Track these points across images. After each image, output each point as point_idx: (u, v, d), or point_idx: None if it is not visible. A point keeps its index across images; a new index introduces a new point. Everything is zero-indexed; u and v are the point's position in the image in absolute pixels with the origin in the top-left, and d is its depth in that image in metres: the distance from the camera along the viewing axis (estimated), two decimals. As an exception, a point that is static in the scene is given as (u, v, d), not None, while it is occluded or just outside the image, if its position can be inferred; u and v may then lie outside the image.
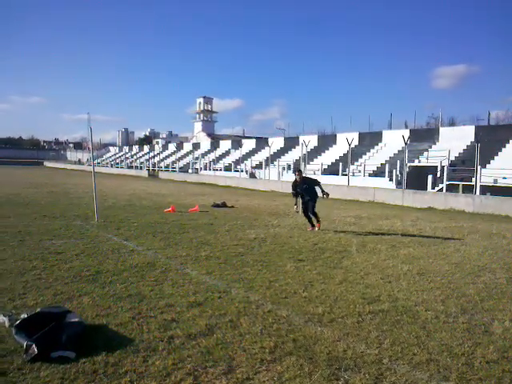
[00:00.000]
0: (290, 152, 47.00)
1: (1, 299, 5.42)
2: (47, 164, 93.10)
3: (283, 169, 39.57)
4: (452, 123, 56.86)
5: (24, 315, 4.50)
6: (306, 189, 11.79)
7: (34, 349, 3.85)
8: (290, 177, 35.85)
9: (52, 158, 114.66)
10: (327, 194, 12.01)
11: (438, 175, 27.61)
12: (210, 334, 4.53)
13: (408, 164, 29.25)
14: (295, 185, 11.93)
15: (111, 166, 74.97)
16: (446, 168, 26.75)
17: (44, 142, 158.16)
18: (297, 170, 12.25)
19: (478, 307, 5.63)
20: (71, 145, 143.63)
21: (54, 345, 3.95)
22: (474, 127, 32.66)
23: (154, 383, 3.50)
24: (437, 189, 26.19)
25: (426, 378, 3.69)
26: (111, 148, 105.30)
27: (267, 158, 41.96)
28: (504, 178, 24.15)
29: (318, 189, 11.92)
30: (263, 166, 41.97)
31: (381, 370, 3.83)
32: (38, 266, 7.14)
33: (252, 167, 44.89)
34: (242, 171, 44.13)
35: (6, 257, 7.68)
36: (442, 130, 36.03)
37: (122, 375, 3.62)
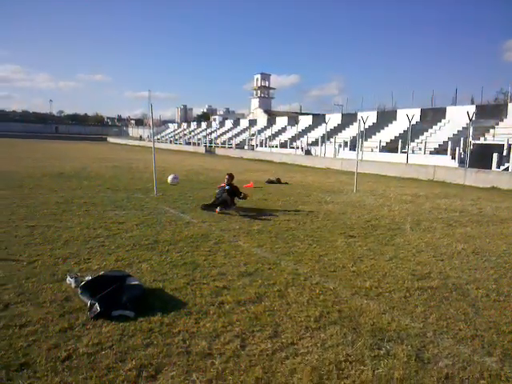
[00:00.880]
0: (347, 129, 46.16)
1: (68, 263, 5.90)
2: (110, 140, 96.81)
3: (339, 146, 39.03)
4: (523, 98, 53.48)
5: (88, 277, 4.90)
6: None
7: (97, 307, 4.21)
8: (347, 154, 35.43)
9: (115, 133, 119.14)
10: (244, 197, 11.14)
11: (504, 154, 26.25)
12: (258, 301, 4.74)
13: (472, 142, 28.00)
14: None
15: (170, 142, 76.92)
16: (513, 146, 25.38)
17: (107, 118, 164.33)
18: (228, 174, 11.47)
19: (534, 288, 5.49)
20: (133, 121, 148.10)
21: (115, 304, 4.30)
22: (546, 102, 30.63)
23: (204, 343, 3.76)
24: (502, 168, 24.96)
25: (469, 352, 3.72)
26: (170, 124, 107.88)
27: (323, 134, 41.51)
28: None
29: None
30: (319, 143, 41.59)
31: (424, 342, 3.89)
32: (101, 234, 7.63)
33: (308, 144, 44.59)
34: (298, 148, 43.97)
35: (73, 225, 8.25)
36: (510, 105, 34.03)
37: (176, 334, 3.90)
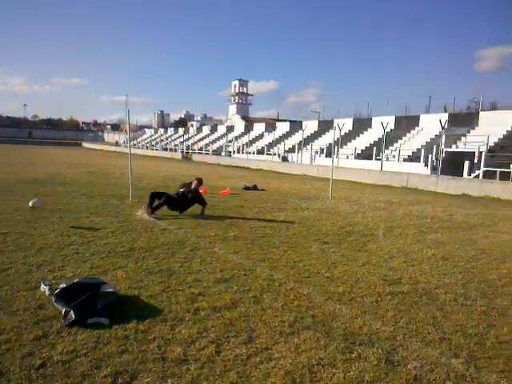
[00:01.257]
0: (323, 136, 46.68)
1: (42, 270, 5.84)
2: (85, 145, 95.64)
3: (316, 153, 39.43)
4: (493, 107, 55.04)
5: (63, 285, 4.88)
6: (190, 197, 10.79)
7: (72, 315, 4.21)
8: (323, 161, 35.80)
9: (90, 139, 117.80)
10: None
11: (476, 161, 26.97)
12: (233, 307, 4.80)
13: (444, 149, 28.70)
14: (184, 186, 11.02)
15: (146, 148, 76.46)
16: (483, 154, 26.10)
17: (83, 123, 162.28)
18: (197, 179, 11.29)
19: (499, 292, 5.70)
20: (108, 126, 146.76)
21: (89, 312, 4.30)
22: (515, 112, 31.59)
23: (180, 349, 3.80)
24: (473, 175, 25.64)
25: (437, 355, 3.85)
26: (147, 130, 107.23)
27: (300, 141, 41.88)
28: (544, 165, 23.40)
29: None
30: (296, 150, 41.93)
31: (394, 345, 4.01)
32: (76, 241, 7.58)
33: (285, 151, 44.90)
34: (275, 155, 44.24)
35: (47, 232, 8.15)
36: (482, 114, 34.95)
37: (151, 341, 3.93)
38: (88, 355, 3.62)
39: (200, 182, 11.24)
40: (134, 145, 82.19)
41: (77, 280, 5.04)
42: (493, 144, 29.21)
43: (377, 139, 37.73)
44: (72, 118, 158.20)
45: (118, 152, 68.49)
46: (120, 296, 4.85)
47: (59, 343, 3.81)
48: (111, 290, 4.82)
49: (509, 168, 23.43)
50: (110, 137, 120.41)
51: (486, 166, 25.45)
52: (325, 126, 48.83)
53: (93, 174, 22.37)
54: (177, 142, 73.47)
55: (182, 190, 10.86)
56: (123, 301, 4.79)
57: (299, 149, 41.15)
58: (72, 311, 4.23)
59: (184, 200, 10.66)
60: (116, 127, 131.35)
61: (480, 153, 26.84)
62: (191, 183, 11.13)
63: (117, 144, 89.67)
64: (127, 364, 3.51)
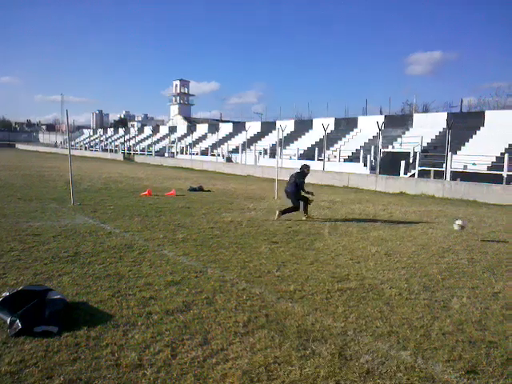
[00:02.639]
0: (266, 136, 47.19)
1: (-19, 279, 5.54)
2: (19, 146, 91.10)
3: (259, 153, 39.78)
4: (426, 110, 57.88)
5: (6, 293, 4.65)
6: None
7: (18, 324, 4.02)
8: (267, 161, 36.16)
9: (24, 140, 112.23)
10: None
11: (411, 161, 28.27)
12: (186, 310, 4.77)
13: (382, 150, 29.81)
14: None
15: (85, 149, 73.95)
16: (418, 154, 27.41)
17: (16, 123, 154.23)
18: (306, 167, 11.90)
19: (440, 285, 6.02)
20: (44, 126, 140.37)
21: (37, 320, 4.13)
22: (446, 114, 33.40)
23: (134, 354, 3.73)
24: (409, 174, 26.86)
25: (387, 348, 4.02)
26: (85, 130, 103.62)
27: (244, 142, 42.07)
28: (473, 164, 24.93)
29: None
30: (240, 151, 42.09)
31: (345, 340, 4.14)
32: (15, 247, 7.23)
33: (229, 151, 44.94)
34: (219, 155, 44.18)
35: (-17, 238, 7.73)
36: (415, 116, 36.75)
37: (104, 347, 3.83)
38: (38, 365, 3.48)
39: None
40: (72, 146, 79.18)
41: (21, 288, 4.82)
42: (426, 144, 30.76)
43: (318, 140, 38.62)
44: (4, 118, 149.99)
45: (55, 153, 65.78)
46: (68, 303, 4.69)
47: (6, 354, 3.64)
48: (58, 296, 4.65)
49: (442, 167, 24.73)
50: (45, 137, 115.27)
51: (420, 165, 26.76)
52: (267, 127, 49.40)
53: (29, 177, 21.38)
54: (117, 142, 71.58)
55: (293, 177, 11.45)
56: (72, 308, 4.64)
57: (243, 150, 41.33)
58: (18, 320, 4.05)
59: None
60: (51, 127, 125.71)
61: (415, 153, 28.18)
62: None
63: (56, 145, 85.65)
64: (80, 372, 3.41)
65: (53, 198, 13.71)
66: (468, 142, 29.15)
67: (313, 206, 13.89)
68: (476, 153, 25.46)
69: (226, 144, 47.61)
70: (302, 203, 11.40)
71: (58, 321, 4.21)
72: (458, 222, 9.91)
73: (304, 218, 11.28)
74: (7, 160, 38.94)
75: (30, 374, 3.35)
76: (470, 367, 3.71)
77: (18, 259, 6.51)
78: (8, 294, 4.60)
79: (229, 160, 42.69)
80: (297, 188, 11.31)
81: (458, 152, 27.21)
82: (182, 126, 70.60)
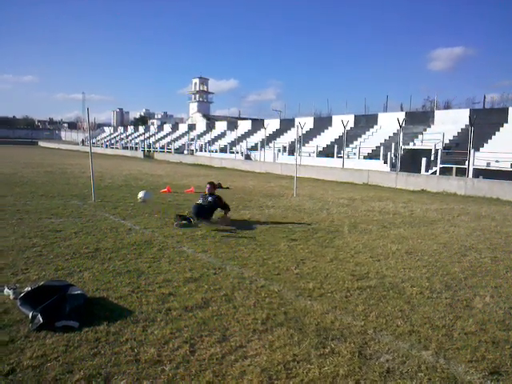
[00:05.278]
0: (285, 134, 47.01)
1: (4, 274, 5.64)
2: (42, 144, 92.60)
3: (279, 150, 39.69)
4: (447, 106, 56.87)
5: (28, 288, 4.72)
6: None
7: (40, 318, 4.08)
8: (286, 159, 36.06)
9: (46, 137, 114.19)
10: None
11: (432, 158, 27.85)
12: (205, 306, 4.78)
13: (403, 147, 29.45)
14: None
15: (106, 147, 74.80)
16: (439, 151, 26.97)
17: (38, 121, 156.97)
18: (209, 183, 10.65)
19: (462, 284, 5.91)
20: (65, 125, 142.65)
21: (58, 315, 4.17)
22: (468, 110, 32.74)
23: (153, 350, 3.74)
24: (430, 172, 26.45)
25: (407, 347, 3.96)
26: (106, 128, 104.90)
27: (263, 139, 42.03)
28: (496, 161, 24.42)
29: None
30: (258, 148, 42.06)
31: (365, 339, 4.09)
32: (38, 243, 7.34)
33: (247, 149, 44.95)
34: (238, 153, 44.22)
35: (7, 234, 7.87)
36: (437, 112, 36.15)
37: (123, 343, 3.86)
38: (59, 359, 3.51)
39: (213, 186, 10.55)
40: (93, 143, 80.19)
41: (42, 283, 4.89)
42: (448, 141, 30.23)
43: (337, 137, 38.30)
44: (27, 116, 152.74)
45: (76, 151, 66.72)
46: (88, 298, 4.74)
47: (28, 348, 3.69)
48: (79, 292, 4.70)
49: (464, 164, 24.31)
50: (67, 135, 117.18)
51: (442, 162, 26.32)
52: (286, 124, 49.18)
53: (51, 174, 21.71)
54: (137, 140, 72.24)
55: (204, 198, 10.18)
56: (92, 303, 4.68)
57: (262, 147, 41.29)
58: (39, 315, 4.10)
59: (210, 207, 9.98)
60: (73, 125, 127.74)
61: (436, 150, 27.74)
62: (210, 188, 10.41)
63: (83, 143, 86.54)
64: (100, 367, 3.43)
65: (74, 194, 13.89)
66: (491, 138, 28.56)
67: (332, 204, 13.82)
68: (499, 150, 24.93)
69: (244, 141, 47.61)
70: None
71: (79, 316, 4.25)
72: (140, 194, 10.05)
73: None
74: (30, 157, 39.64)
75: (51, 368, 3.39)
76: (493, 368, 3.63)
77: (40, 255, 6.60)
78: (30, 288, 4.67)
79: (247, 157, 42.70)
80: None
81: (480, 149, 26.68)
82: (201, 124, 70.87)
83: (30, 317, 4.15)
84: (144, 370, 3.44)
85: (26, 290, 4.68)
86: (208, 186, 10.50)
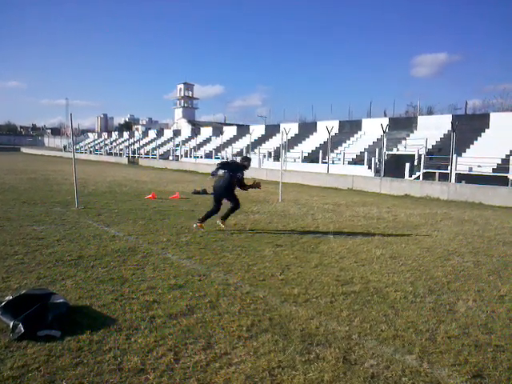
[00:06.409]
0: (270, 140, 47.18)
1: (-16, 283, 5.53)
2: (24, 150, 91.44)
3: (263, 156, 39.77)
4: (430, 112, 57.84)
5: (9, 297, 4.63)
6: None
7: (21, 328, 4.00)
8: (271, 164, 36.13)
9: (29, 143, 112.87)
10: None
11: (415, 163, 28.18)
12: (190, 313, 4.74)
13: (386, 152, 29.78)
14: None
15: (90, 153, 74.18)
16: (423, 156, 27.33)
17: (21, 127, 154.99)
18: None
19: (445, 288, 5.96)
20: (48, 130, 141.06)
21: (39, 324, 4.10)
22: (451, 116, 33.29)
23: (137, 358, 3.70)
24: (414, 177, 26.78)
25: (392, 352, 3.98)
26: (90, 134, 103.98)
27: (248, 145, 42.11)
28: (478, 166, 24.81)
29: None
30: (244, 154, 42.07)
31: (350, 344, 4.10)
32: (19, 250, 7.22)
33: (233, 154, 44.95)
34: (223, 158, 44.18)
35: (-13, 242, 7.73)
36: (420, 118, 36.67)
37: (106, 352, 3.81)
38: (40, 369, 3.45)
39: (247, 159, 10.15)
40: (77, 149, 79.45)
41: (24, 291, 4.80)
42: (431, 147, 30.65)
43: (322, 143, 38.58)
44: (9, 122, 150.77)
45: (60, 157, 66.00)
46: (71, 306, 4.67)
47: (8, 358, 3.62)
48: (61, 300, 4.63)
49: (447, 169, 24.63)
50: (50, 141, 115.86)
51: (425, 167, 26.67)
52: (271, 130, 49.37)
53: (34, 181, 21.42)
54: (122, 146, 71.79)
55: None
56: (74, 311, 4.61)
57: (247, 152, 41.33)
58: (21, 324, 4.03)
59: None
60: (57, 131, 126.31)
61: (419, 155, 28.10)
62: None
63: (65, 149, 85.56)
64: (83, 376, 3.38)
65: (57, 201, 13.73)
66: (473, 144, 29.03)
67: (317, 209, 13.86)
68: (481, 155, 25.33)
69: (230, 147, 47.63)
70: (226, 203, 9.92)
71: (61, 325, 4.19)
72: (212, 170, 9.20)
73: (221, 225, 9.79)
74: (12, 164, 39.10)
75: (33, 378, 3.33)
76: (476, 371, 3.66)
77: (22, 263, 6.50)
78: (11, 297, 4.59)
79: (233, 163, 42.63)
80: (230, 183, 9.78)
81: (463, 154, 27.10)
82: (186, 130, 70.73)
83: (11, 326, 4.07)
84: (127, 378, 3.39)
85: (7, 298, 4.60)
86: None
